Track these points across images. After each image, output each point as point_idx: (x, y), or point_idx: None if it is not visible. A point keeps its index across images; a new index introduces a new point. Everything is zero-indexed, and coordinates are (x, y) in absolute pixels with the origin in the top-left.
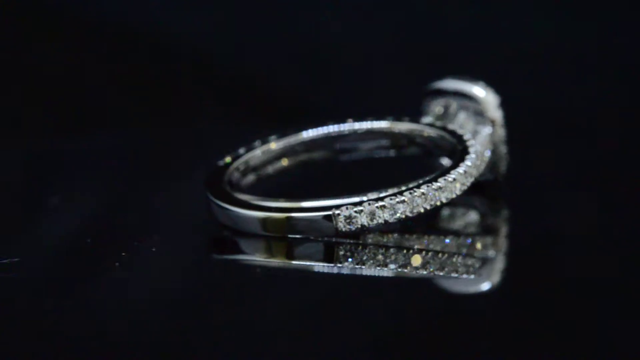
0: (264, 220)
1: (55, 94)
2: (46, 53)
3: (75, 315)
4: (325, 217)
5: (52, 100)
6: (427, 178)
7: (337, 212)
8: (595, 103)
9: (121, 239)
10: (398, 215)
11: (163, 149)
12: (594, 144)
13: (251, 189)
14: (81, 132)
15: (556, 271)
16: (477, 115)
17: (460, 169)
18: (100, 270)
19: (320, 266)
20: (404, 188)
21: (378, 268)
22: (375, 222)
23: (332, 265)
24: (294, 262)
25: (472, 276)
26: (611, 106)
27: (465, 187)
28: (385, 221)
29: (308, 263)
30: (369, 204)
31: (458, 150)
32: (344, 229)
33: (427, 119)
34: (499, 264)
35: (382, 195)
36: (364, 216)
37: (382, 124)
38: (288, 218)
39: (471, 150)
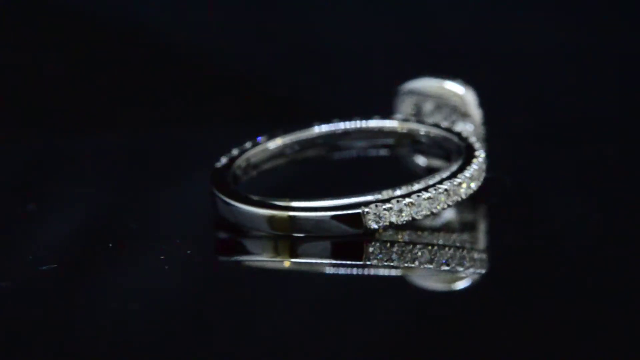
0: (270, 218)
1: (55, 95)
2: (47, 53)
3: (78, 317)
4: (351, 215)
5: (52, 101)
6: (445, 175)
7: (366, 209)
8: (585, 103)
9: (123, 240)
10: (424, 212)
11: (162, 150)
12: (584, 143)
13: (254, 186)
14: (80, 132)
15: (539, 267)
16: (453, 114)
17: (475, 165)
18: (103, 271)
19: (350, 264)
20: (416, 187)
21: (407, 265)
22: (402, 219)
23: (361, 262)
24: (324, 260)
25: (483, 270)
26: (602, 106)
27: (479, 184)
28: (413, 218)
29: (337, 262)
30: (398, 201)
31: (463, 149)
32: (374, 227)
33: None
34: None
35: (397, 193)
36: (393, 214)
37: (393, 124)
38: (291, 217)
39: (477, 146)
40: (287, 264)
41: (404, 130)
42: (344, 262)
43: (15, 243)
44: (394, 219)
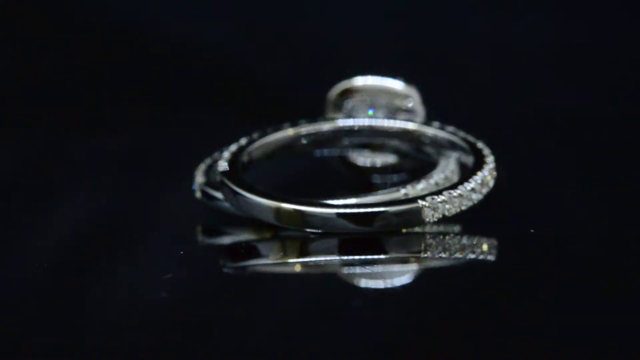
0: (277, 210)
1: (53, 96)
2: (46, 54)
3: (78, 319)
4: (413, 209)
5: (50, 102)
6: (469, 170)
7: (424, 203)
8: (575, 102)
9: (124, 240)
10: (469, 204)
11: (162, 150)
12: (572, 142)
13: (261, 177)
14: (79, 133)
15: (523, 265)
16: (392, 111)
17: (492, 157)
18: (105, 273)
19: (409, 257)
20: (432, 181)
21: (457, 255)
22: (453, 211)
23: (420, 255)
24: (386, 255)
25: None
26: (593, 106)
27: (495, 177)
28: (461, 210)
29: (400, 255)
30: (449, 193)
31: (469, 149)
32: (431, 220)
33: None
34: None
35: (419, 187)
36: (446, 206)
37: (412, 125)
38: (300, 212)
39: (477, 141)
40: (298, 267)
41: (418, 132)
42: (403, 255)
43: (14, 243)
44: (446, 212)
